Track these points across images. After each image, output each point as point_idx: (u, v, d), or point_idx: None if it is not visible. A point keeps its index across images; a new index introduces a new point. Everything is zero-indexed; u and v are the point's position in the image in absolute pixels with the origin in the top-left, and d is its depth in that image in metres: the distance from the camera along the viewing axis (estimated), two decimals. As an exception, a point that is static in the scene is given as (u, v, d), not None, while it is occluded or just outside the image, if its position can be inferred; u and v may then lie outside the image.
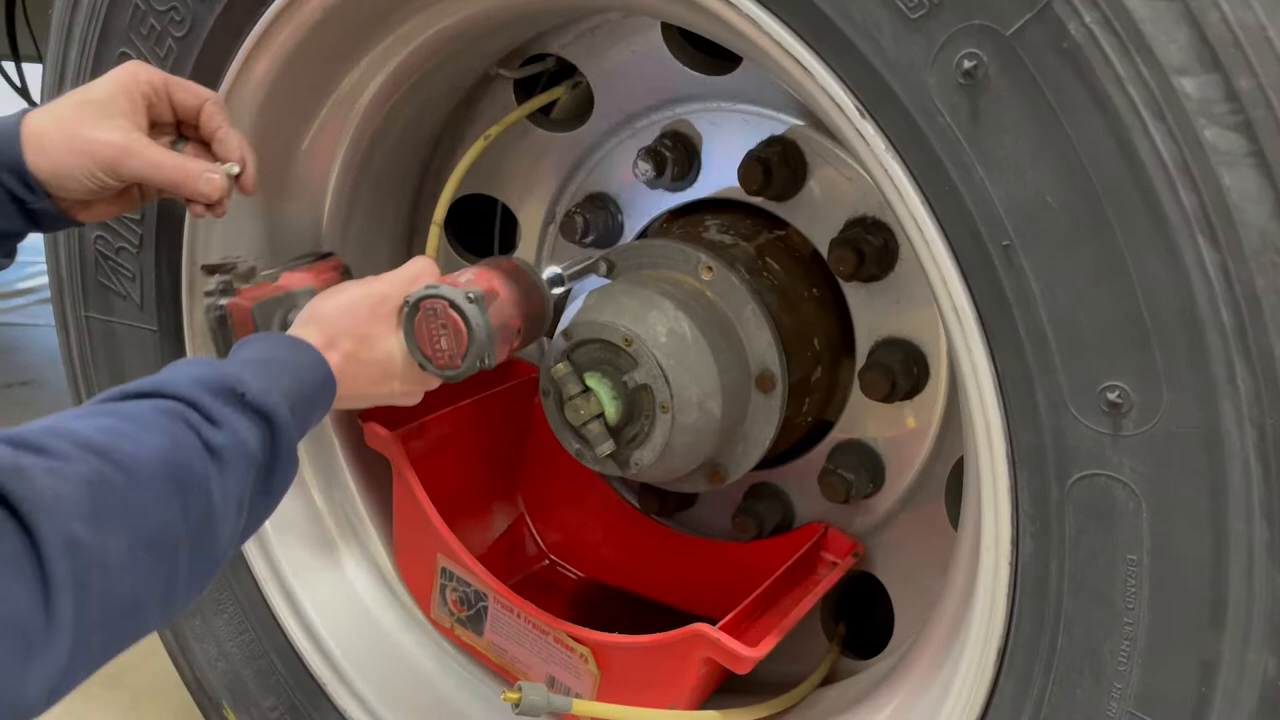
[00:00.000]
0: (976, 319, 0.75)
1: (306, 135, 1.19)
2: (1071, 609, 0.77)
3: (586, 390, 1.15)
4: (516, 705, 1.06)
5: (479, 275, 1.08)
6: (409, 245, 1.41)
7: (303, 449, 1.38)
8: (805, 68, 0.78)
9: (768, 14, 0.78)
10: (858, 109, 0.76)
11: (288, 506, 1.36)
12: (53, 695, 0.65)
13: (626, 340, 1.14)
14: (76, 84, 1.13)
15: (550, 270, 1.19)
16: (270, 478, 0.84)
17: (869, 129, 0.76)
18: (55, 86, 1.22)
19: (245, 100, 1.11)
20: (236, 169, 1.00)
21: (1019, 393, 0.75)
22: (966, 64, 0.69)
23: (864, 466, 1.29)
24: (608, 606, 1.46)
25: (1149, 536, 0.71)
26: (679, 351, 1.14)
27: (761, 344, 1.20)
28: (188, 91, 1.01)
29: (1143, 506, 0.71)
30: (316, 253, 1.22)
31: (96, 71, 1.17)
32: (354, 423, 1.37)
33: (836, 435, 1.31)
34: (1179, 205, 0.64)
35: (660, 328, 1.15)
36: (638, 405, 1.16)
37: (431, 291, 1.03)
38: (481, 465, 1.46)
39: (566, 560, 1.52)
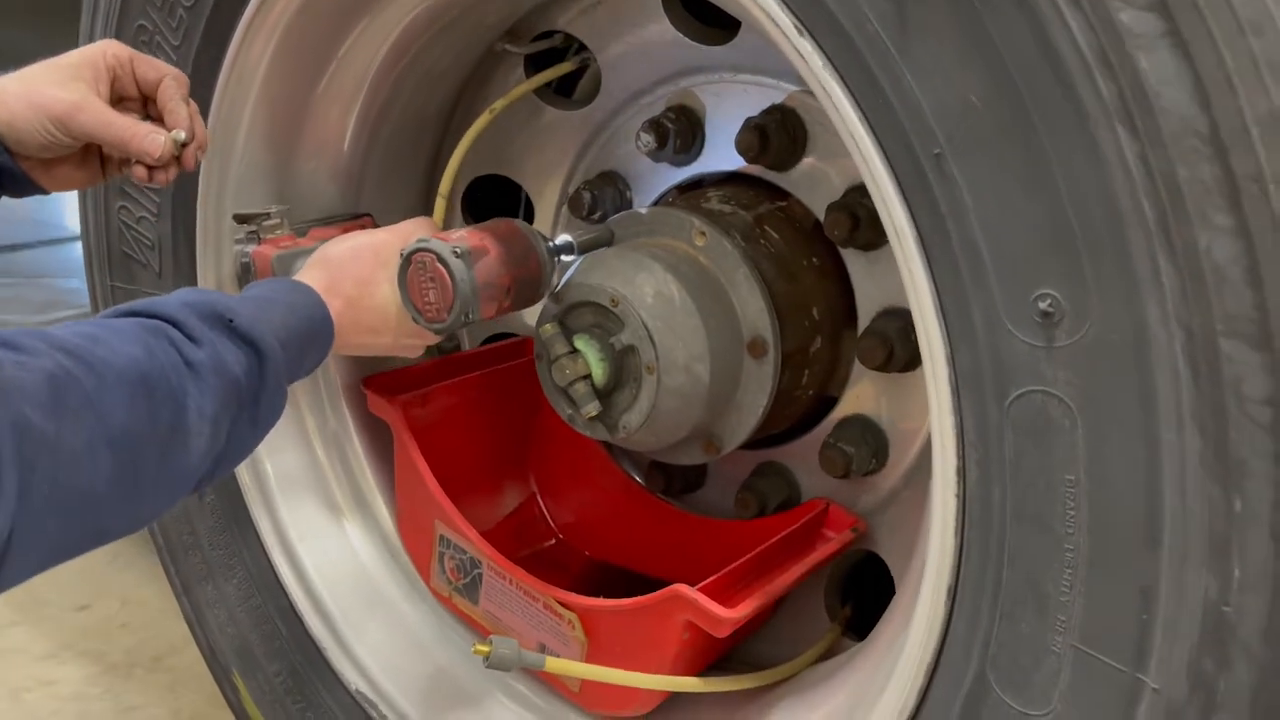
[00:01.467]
0: (915, 235, 0.73)
1: (313, 99, 1.23)
2: (1015, 539, 0.73)
3: (574, 351, 1.15)
4: (486, 658, 1.06)
5: (471, 233, 1.10)
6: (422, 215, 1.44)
7: (313, 416, 1.43)
8: (746, -12, 0.78)
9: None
10: (795, 26, 0.75)
11: (296, 470, 1.39)
12: (6, 563, 0.67)
13: (613, 301, 1.14)
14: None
15: (562, 237, 1.20)
16: (256, 407, 0.86)
17: (807, 46, 0.75)
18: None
19: (250, 64, 1.16)
20: (184, 136, 1.04)
21: (957, 310, 0.72)
22: (891, -31, 0.68)
23: (866, 442, 1.26)
24: (614, 587, 1.45)
25: (1085, 454, 0.68)
26: (666, 313, 1.14)
27: (754, 309, 1.19)
28: (151, 67, 1.06)
29: (1078, 422, 0.68)
30: (352, 213, 1.26)
31: (118, 40, 1.23)
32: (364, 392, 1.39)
33: (840, 411, 1.29)
34: (1097, 95, 0.62)
35: (648, 289, 1.15)
36: (625, 368, 1.16)
37: (422, 245, 1.05)
38: (489, 440, 1.47)
39: (575, 539, 1.52)
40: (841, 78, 0.74)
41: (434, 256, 1.05)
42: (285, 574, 1.37)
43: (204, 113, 1.25)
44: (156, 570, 1.60)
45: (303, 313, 0.96)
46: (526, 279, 1.14)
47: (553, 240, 1.17)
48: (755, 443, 1.35)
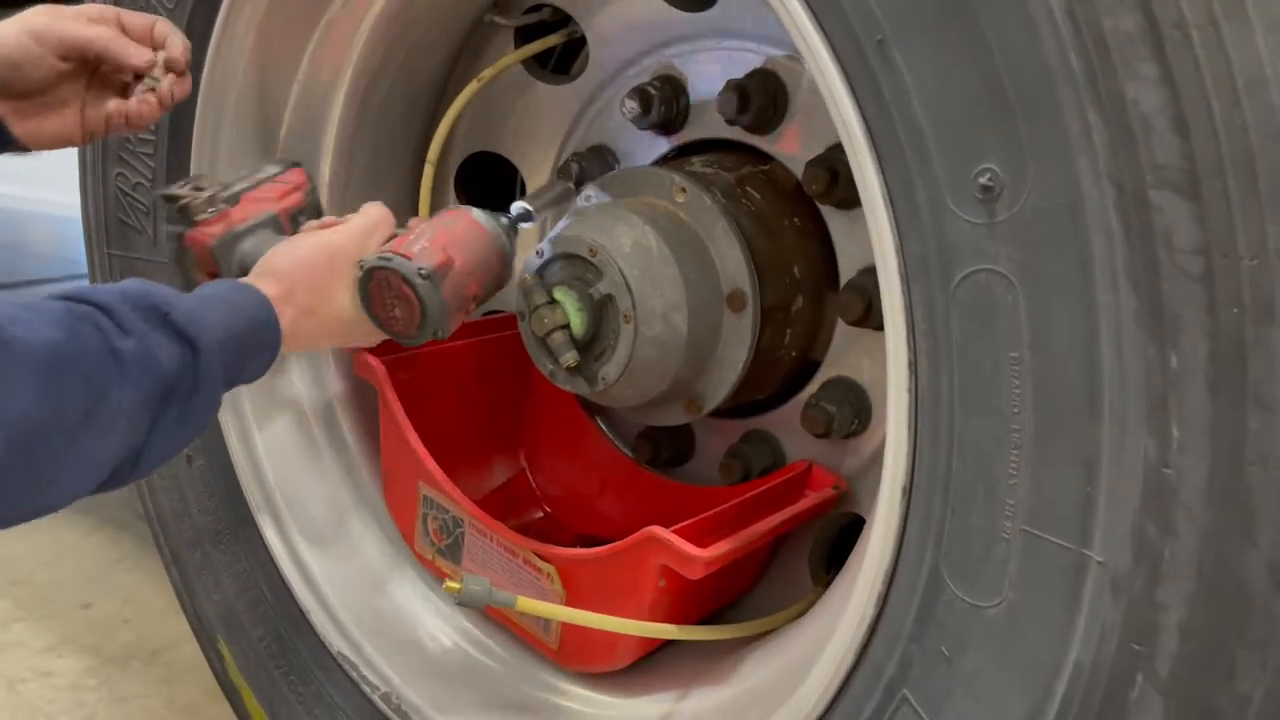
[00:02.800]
0: (862, 125, 0.74)
1: (301, 65, 1.26)
2: (964, 426, 0.73)
3: (553, 302, 1.16)
4: (458, 594, 1.05)
5: (433, 242, 1.07)
6: (414, 188, 1.47)
7: (306, 387, 1.45)
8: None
9: None
10: (747, -69, 0.77)
11: (285, 440, 1.41)
12: None
13: (591, 250, 1.15)
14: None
15: (517, 206, 1.21)
16: (186, 404, 0.83)
17: (758, -51, 0.77)
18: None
19: (240, 29, 1.20)
20: (168, 54, 1.04)
21: (903, 196, 0.73)
22: None
23: (849, 402, 1.25)
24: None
25: (1027, 328, 0.68)
26: (643, 262, 1.15)
27: (732, 262, 1.20)
28: (139, 16, 1.07)
29: (1019, 296, 0.68)
30: (282, 162, 1.23)
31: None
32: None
33: (823, 374, 1.29)
34: (1024, -46, 0.63)
35: (625, 239, 1.16)
36: (604, 319, 1.17)
37: (384, 264, 1.03)
38: (477, 412, 1.48)
39: (563, 513, 1.52)
40: (788, -27, 0.76)
41: (399, 277, 1.03)
42: (272, 540, 1.38)
43: (196, 77, 1.28)
44: (162, 572, 1.60)
45: (246, 314, 0.92)
46: (492, 279, 1.14)
47: (508, 215, 1.17)
48: (740, 411, 1.35)
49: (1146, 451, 0.64)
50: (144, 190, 1.38)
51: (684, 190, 1.22)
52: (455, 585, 1.06)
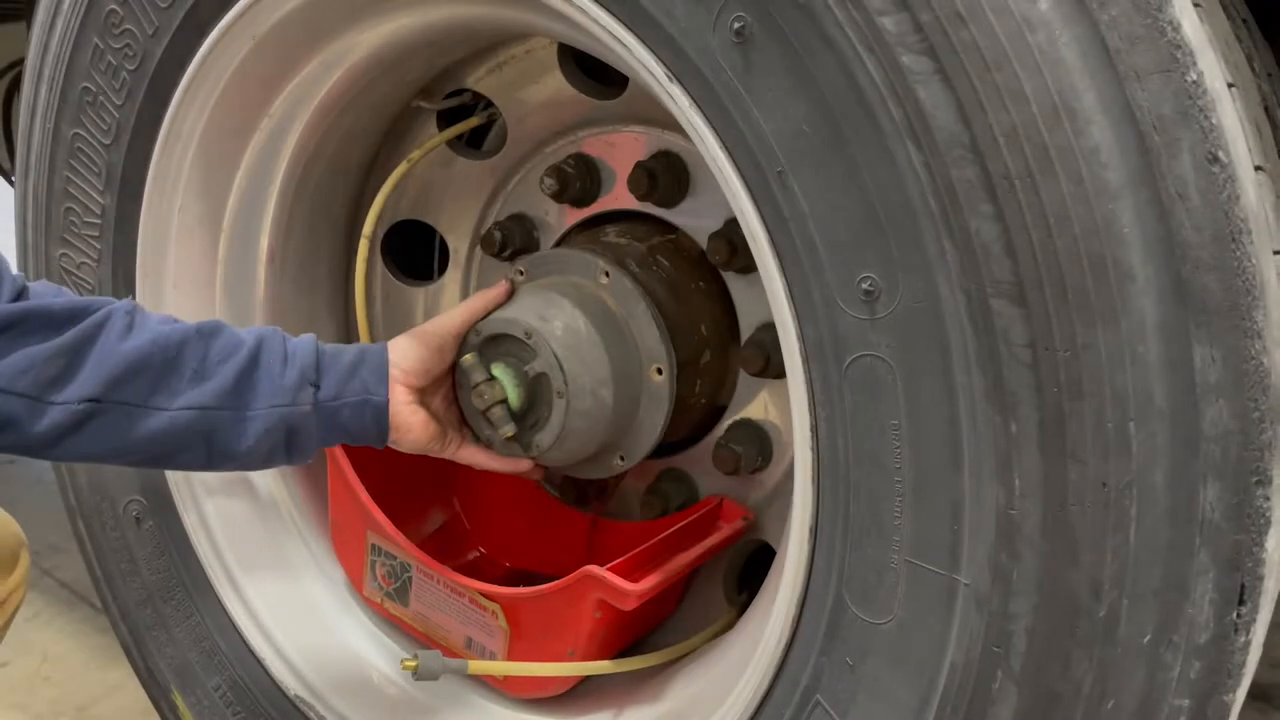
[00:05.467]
0: (766, 236, 0.91)
1: (244, 155, 1.37)
2: (857, 478, 0.90)
3: (492, 378, 1.28)
4: (415, 672, 1.18)
5: None
6: (348, 263, 1.58)
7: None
8: (627, 47, 0.96)
9: (597, 6, 0.97)
10: (666, 76, 0.94)
11: (238, 507, 1.50)
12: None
13: (527, 334, 1.28)
14: (45, 119, 1.33)
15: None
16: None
17: (676, 90, 0.94)
18: (29, 121, 1.41)
19: (188, 123, 1.30)
20: None
21: (802, 295, 0.90)
22: (736, 25, 0.87)
23: (753, 442, 1.42)
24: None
25: (904, 401, 0.86)
26: (574, 344, 1.28)
27: (651, 339, 1.33)
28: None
29: (897, 377, 0.86)
30: None
31: (64, 105, 1.36)
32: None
33: (729, 417, 1.45)
34: (891, 118, 0.81)
35: (557, 323, 1.29)
36: (538, 392, 1.29)
37: None
38: (415, 462, 1.59)
39: (496, 552, 1.65)
40: (704, 114, 0.92)
41: None
42: (226, 594, 1.47)
43: (144, 165, 1.38)
44: (75, 627, 1.64)
45: None
46: None
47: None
48: (657, 452, 1.51)
49: (997, 498, 0.83)
50: (89, 269, 1.46)
51: (607, 274, 1.36)
52: (411, 663, 1.18)
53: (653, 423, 1.36)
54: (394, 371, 1.20)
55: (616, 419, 1.32)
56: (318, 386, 1.14)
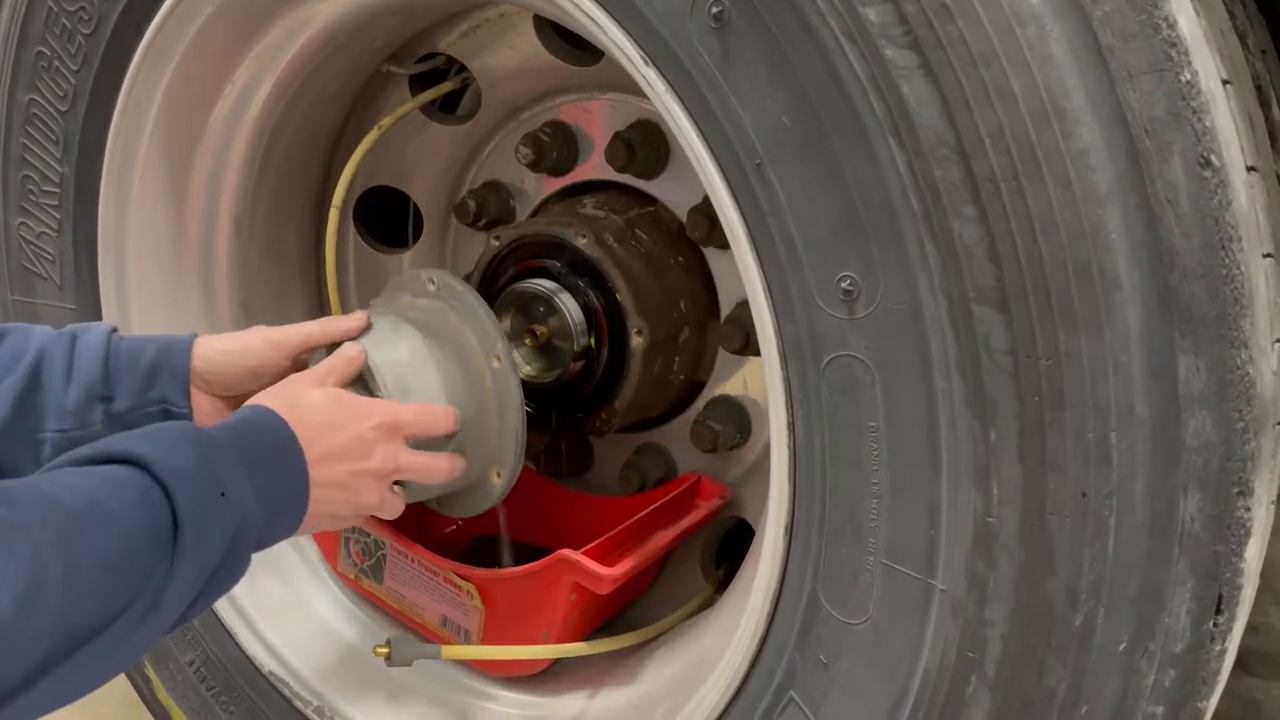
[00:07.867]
0: (745, 230, 0.88)
1: (209, 121, 1.32)
2: (834, 478, 0.89)
3: None
4: (388, 658, 1.17)
5: None
6: (318, 231, 1.54)
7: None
8: (601, 27, 0.92)
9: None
10: (641, 58, 0.90)
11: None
12: None
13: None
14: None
15: None
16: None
17: (652, 74, 0.90)
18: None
19: (148, 88, 1.25)
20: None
21: (780, 291, 0.87)
22: (714, 9, 0.83)
23: (731, 419, 1.41)
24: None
25: (882, 404, 0.84)
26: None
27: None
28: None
29: (875, 378, 0.83)
30: None
31: (18, 70, 1.31)
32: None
33: (707, 393, 1.43)
34: (873, 113, 0.78)
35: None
36: None
37: None
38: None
39: (472, 525, 1.63)
40: (680, 100, 0.89)
41: None
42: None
43: (103, 132, 1.33)
44: None
45: None
46: None
47: None
48: (636, 426, 1.49)
49: (975, 504, 0.81)
50: (49, 239, 1.41)
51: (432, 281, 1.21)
52: (384, 650, 1.17)
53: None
54: (197, 381, 1.08)
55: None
56: (109, 399, 1.03)
